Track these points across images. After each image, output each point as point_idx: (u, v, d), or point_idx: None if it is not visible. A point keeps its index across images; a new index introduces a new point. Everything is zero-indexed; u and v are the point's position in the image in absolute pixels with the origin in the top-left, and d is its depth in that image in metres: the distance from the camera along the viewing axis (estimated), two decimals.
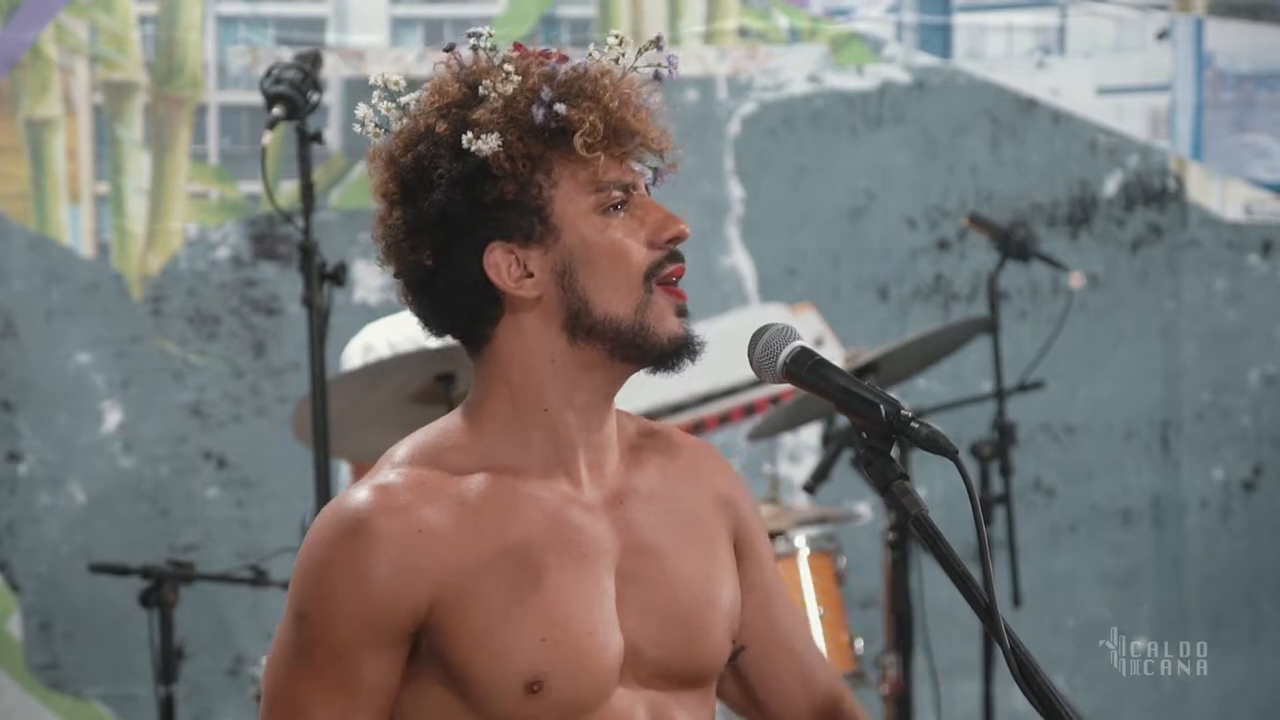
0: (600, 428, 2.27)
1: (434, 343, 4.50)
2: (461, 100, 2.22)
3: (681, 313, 2.24)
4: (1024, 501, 5.52)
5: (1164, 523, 5.60)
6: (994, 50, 5.74)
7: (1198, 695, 5.56)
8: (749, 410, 5.82)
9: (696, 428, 5.88)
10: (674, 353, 2.23)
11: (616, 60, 2.25)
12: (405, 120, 2.25)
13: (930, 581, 4.51)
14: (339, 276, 3.84)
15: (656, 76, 2.28)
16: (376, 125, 2.27)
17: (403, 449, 2.25)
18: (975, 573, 2.06)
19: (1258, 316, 5.48)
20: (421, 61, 5.58)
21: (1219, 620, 5.54)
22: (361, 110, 2.28)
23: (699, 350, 2.24)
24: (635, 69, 2.26)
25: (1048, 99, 5.69)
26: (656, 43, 2.28)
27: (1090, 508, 5.67)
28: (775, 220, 5.85)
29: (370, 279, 5.56)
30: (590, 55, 2.25)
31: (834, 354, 5.35)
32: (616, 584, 2.24)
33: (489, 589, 2.18)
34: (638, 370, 2.26)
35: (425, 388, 3.93)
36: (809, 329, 5.76)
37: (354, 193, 5.61)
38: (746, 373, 2.26)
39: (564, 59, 2.25)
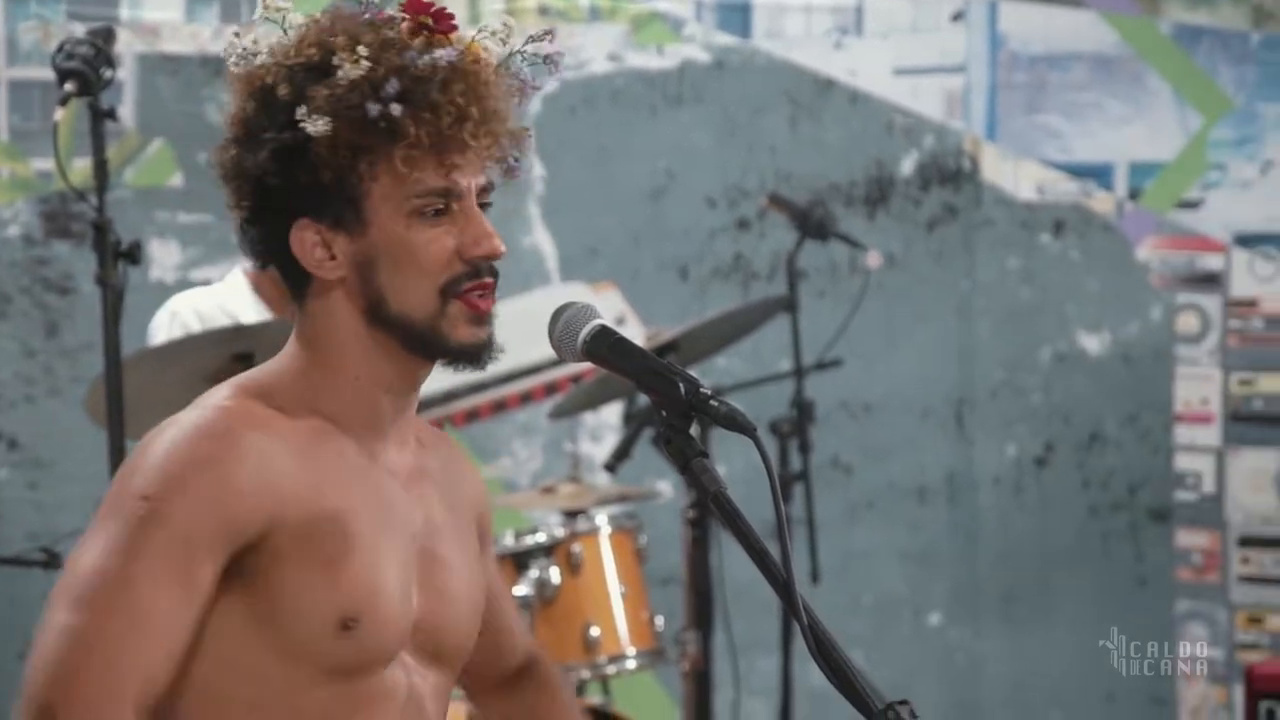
0: (406, 408, 2.29)
1: (246, 316, 4.47)
2: (313, 66, 2.20)
3: (478, 323, 2.23)
4: (822, 479, 5.56)
5: (959, 499, 5.67)
6: (792, 30, 5.77)
7: (992, 670, 5.64)
8: (550, 389, 5.81)
9: (498, 406, 5.87)
10: (463, 358, 2.24)
11: (503, 42, 2.25)
12: (261, 57, 2.23)
13: (730, 558, 4.54)
14: (134, 255, 3.79)
15: (547, 59, 2.28)
16: (238, 56, 2.25)
17: (226, 387, 2.25)
18: (774, 550, 2.07)
19: (1050, 295, 5.56)
20: (217, 38, 5.51)
21: (1012, 595, 5.61)
22: (230, 40, 2.25)
23: (491, 358, 2.25)
24: (519, 54, 2.25)
25: (845, 79, 5.73)
26: (546, 35, 2.28)
27: (887, 485, 5.73)
28: (576, 199, 5.85)
29: (166, 257, 5.49)
30: (474, 41, 2.24)
31: (635, 333, 5.35)
32: (418, 560, 2.27)
33: (324, 523, 2.19)
34: (434, 365, 2.26)
35: (222, 367, 3.89)
36: (610, 308, 5.76)
37: (149, 170, 5.53)
38: (548, 351, 2.26)
39: (449, 28, 2.22)
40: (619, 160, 5.87)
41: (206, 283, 4.91)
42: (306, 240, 2.22)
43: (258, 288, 4.69)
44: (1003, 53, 5.58)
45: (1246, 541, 5.34)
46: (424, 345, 2.23)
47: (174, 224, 5.70)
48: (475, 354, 2.24)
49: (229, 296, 4.65)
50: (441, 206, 2.22)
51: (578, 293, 5.77)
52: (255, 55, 2.23)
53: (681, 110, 5.83)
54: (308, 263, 2.23)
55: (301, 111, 2.18)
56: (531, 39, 2.27)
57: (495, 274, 2.25)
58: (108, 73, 3.81)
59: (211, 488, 2.15)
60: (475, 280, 2.22)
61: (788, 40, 5.77)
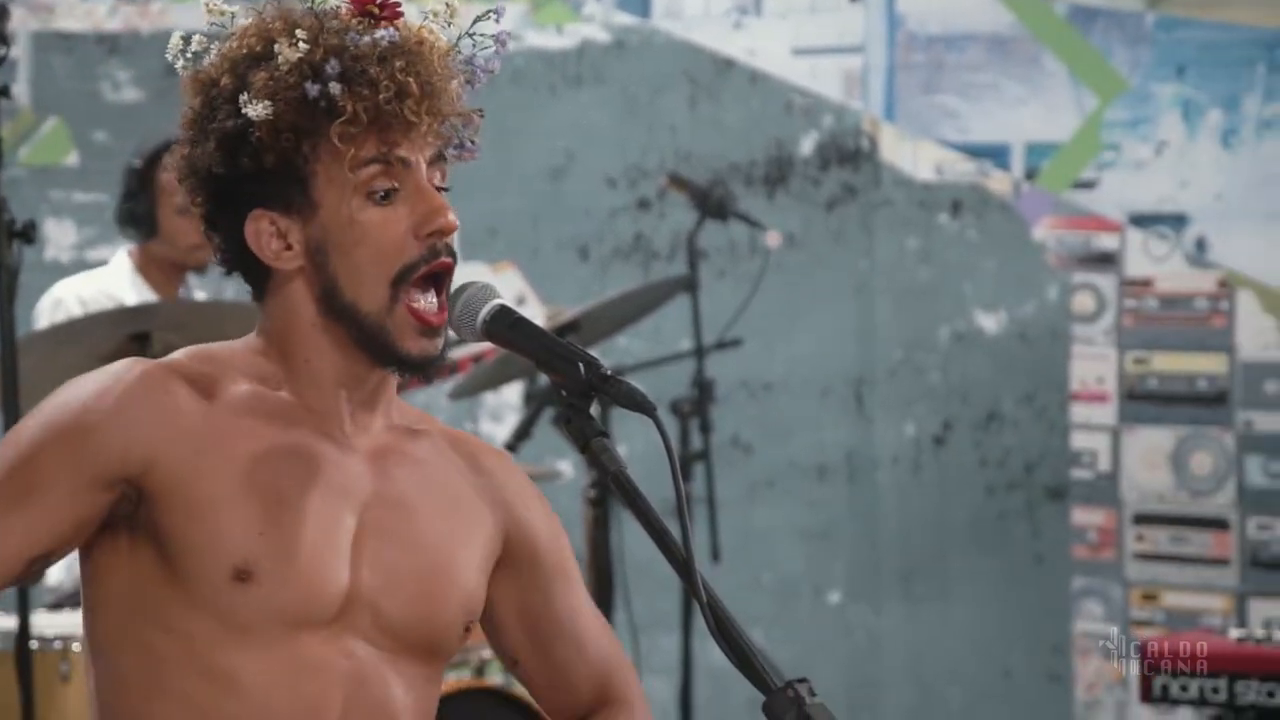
0: (366, 389, 2.27)
1: (129, 299, 4.43)
2: (254, 55, 2.20)
3: (428, 335, 2.22)
4: (722, 458, 5.57)
5: (858, 478, 5.69)
6: (691, 10, 5.78)
7: (890, 647, 5.67)
8: (451, 369, 5.81)
9: (398, 387, 5.83)
10: (410, 369, 2.23)
11: (448, 23, 2.24)
12: (207, 59, 2.24)
13: (630, 538, 4.55)
14: (28, 234, 3.75)
15: (498, 41, 2.27)
16: (186, 58, 2.25)
17: (183, 350, 2.28)
18: (674, 529, 2.08)
19: (948, 275, 5.59)
20: (113, 15, 5.46)
21: (911, 573, 5.65)
22: (174, 41, 2.25)
23: (436, 372, 2.24)
24: (468, 36, 2.24)
25: (744, 59, 5.74)
26: (492, 14, 2.27)
27: (787, 464, 5.75)
28: (476, 179, 5.83)
29: (62, 237, 5.45)
30: (420, 23, 2.23)
31: (535, 313, 5.35)
32: (362, 531, 2.24)
33: (219, 474, 2.18)
34: (387, 370, 2.25)
35: (118, 348, 3.86)
36: (510, 288, 5.76)
37: (44, 149, 5.48)
38: (448, 332, 2.26)
39: (395, 15, 2.21)
40: (518, 140, 5.87)
41: (103, 262, 4.87)
42: (261, 231, 2.22)
43: (141, 268, 4.66)
44: (900, 33, 5.60)
45: (1141, 519, 5.39)
46: (372, 346, 2.22)
47: (69, 203, 5.66)
48: (423, 367, 2.23)
49: (113, 280, 4.62)
50: (391, 185, 2.20)
51: (477, 273, 5.76)
52: (202, 56, 2.24)
53: (581, 90, 5.83)
54: (265, 255, 2.23)
55: (243, 99, 2.18)
56: (478, 19, 2.26)
57: (454, 255, 2.23)
58: (1, 50, 3.77)
59: (105, 413, 2.17)
60: (433, 261, 2.21)
61: (687, 20, 5.77)
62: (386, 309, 2.20)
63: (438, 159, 2.25)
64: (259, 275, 2.26)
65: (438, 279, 2.22)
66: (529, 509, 2.38)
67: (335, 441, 2.25)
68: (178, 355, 2.27)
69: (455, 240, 2.25)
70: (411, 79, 2.18)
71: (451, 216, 2.21)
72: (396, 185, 2.21)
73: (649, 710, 2.43)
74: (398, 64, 2.18)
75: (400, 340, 2.21)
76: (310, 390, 2.25)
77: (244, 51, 2.21)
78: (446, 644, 2.29)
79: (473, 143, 2.28)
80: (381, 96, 2.17)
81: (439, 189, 2.24)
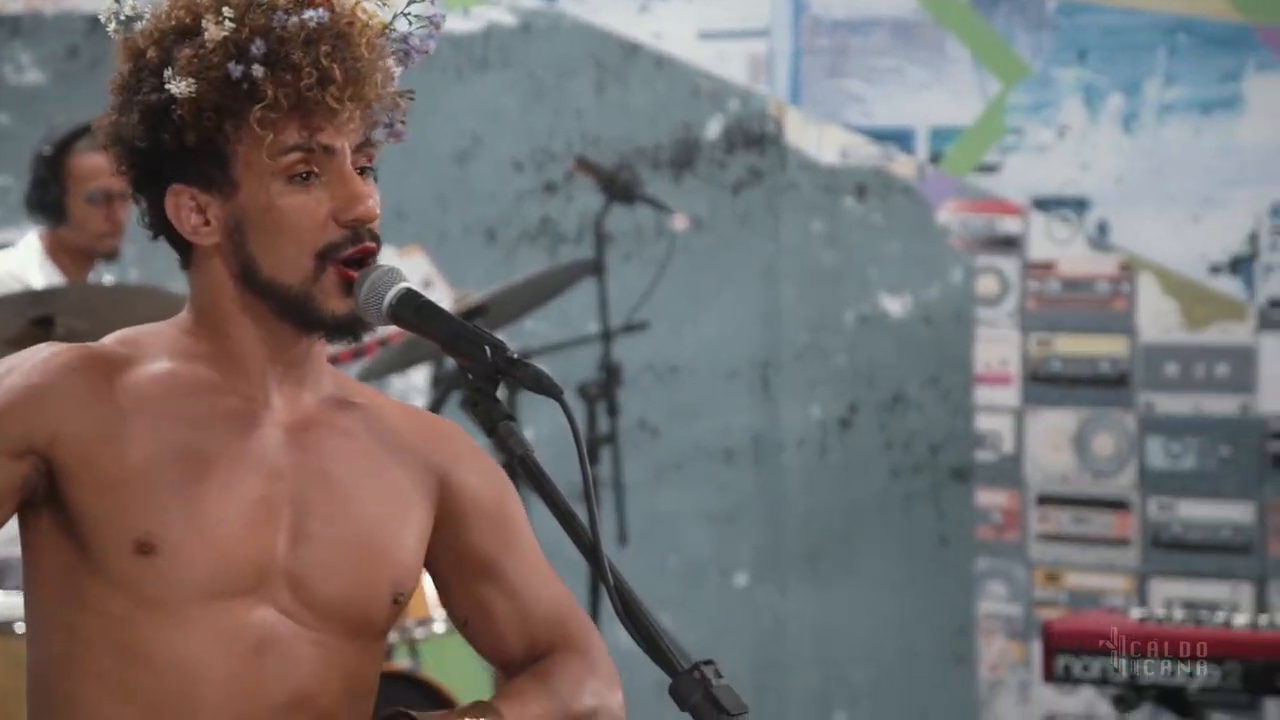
0: (290, 361, 2.26)
1: (37, 282, 4.40)
2: (182, 29, 2.20)
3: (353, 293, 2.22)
4: (629, 441, 5.58)
5: (764, 461, 5.71)
6: None
7: (797, 629, 5.70)
8: (358, 352, 5.79)
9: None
10: (338, 330, 2.22)
11: (383, 4, 2.23)
12: (139, 25, 2.23)
13: (537, 521, 4.55)
14: None
15: (432, 22, 2.26)
16: (120, 20, 2.25)
17: (111, 335, 2.29)
18: (582, 512, 2.09)
19: (853, 258, 5.62)
20: None
21: (817, 555, 5.67)
22: (108, 3, 2.25)
23: (365, 330, 2.23)
24: (404, 16, 2.24)
25: (651, 43, 5.75)
26: None
27: (694, 447, 5.76)
28: (382, 162, 5.81)
29: None
30: (356, 4, 2.22)
31: (442, 296, 5.34)
32: (281, 504, 2.23)
33: (125, 449, 2.18)
34: (313, 336, 2.25)
35: (22, 333, 3.83)
36: (417, 271, 5.75)
37: None
38: None
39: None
40: (425, 123, 5.84)
41: (8, 244, 4.83)
42: (180, 205, 2.22)
43: (51, 251, 4.63)
44: (806, 18, 5.61)
45: (1045, 500, 5.43)
46: (297, 314, 2.22)
47: None
48: (350, 326, 2.22)
49: (22, 262, 4.59)
50: (312, 169, 2.20)
51: (384, 256, 5.74)
52: (135, 21, 2.23)
53: (488, 73, 5.82)
54: (183, 229, 2.23)
55: (168, 74, 2.18)
56: (413, 0, 2.26)
57: (378, 240, 2.23)
58: None
59: (12, 389, 2.19)
60: (355, 246, 2.21)
61: (593, 4, 5.77)
62: (312, 278, 2.20)
63: (365, 144, 2.25)
64: (183, 247, 2.27)
65: (362, 264, 2.22)
66: (467, 470, 2.36)
67: (255, 415, 2.24)
68: (104, 339, 2.27)
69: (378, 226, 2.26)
70: (336, 65, 2.17)
71: (372, 204, 2.21)
72: (317, 171, 2.21)
73: (609, 660, 2.40)
74: (324, 48, 2.17)
75: (326, 302, 2.20)
76: (232, 364, 2.25)
77: (172, 24, 2.20)
78: (373, 618, 2.28)
79: (403, 124, 2.29)
80: (304, 83, 2.16)
81: (365, 170, 2.24)
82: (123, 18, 2.24)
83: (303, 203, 2.20)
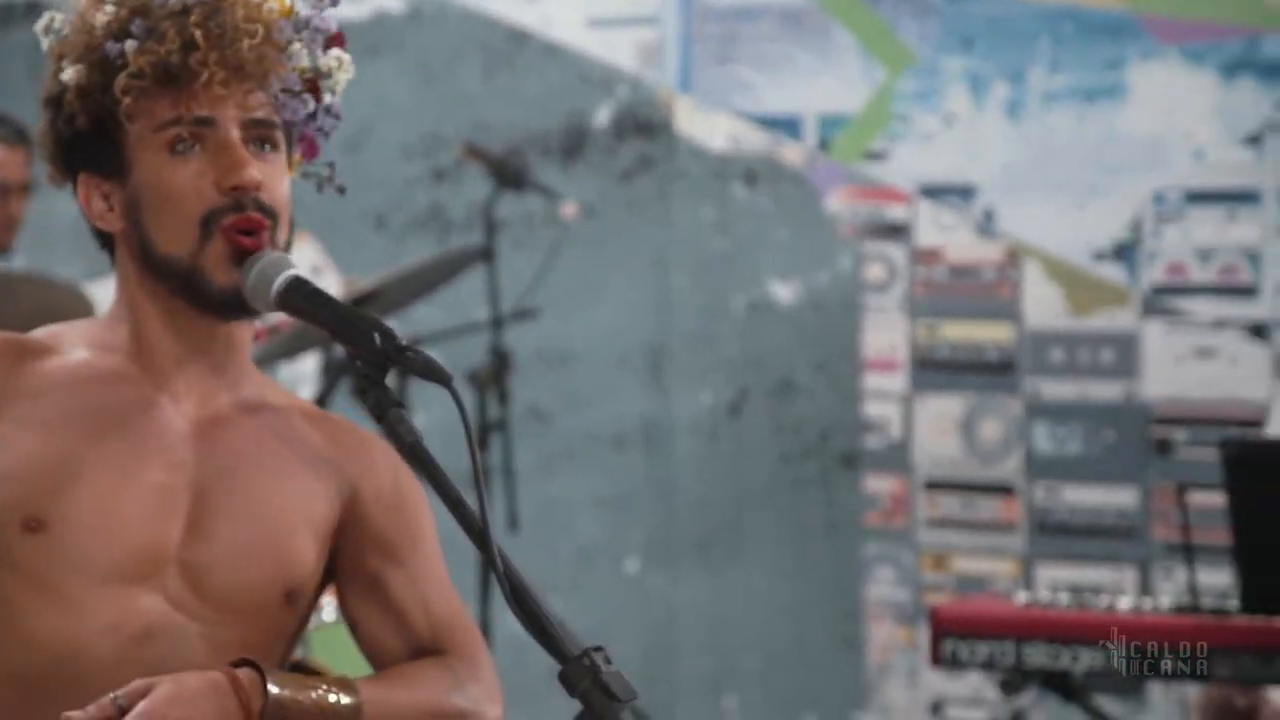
0: (201, 350, 2.27)
1: None
2: (81, 23, 2.24)
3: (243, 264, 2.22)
4: (520, 428, 5.58)
5: (655, 447, 5.72)
6: None
7: (687, 615, 5.71)
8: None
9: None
10: (225, 305, 2.23)
11: None
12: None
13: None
14: None
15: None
16: (52, 32, 2.28)
17: (39, 329, 2.31)
18: (473, 499, 2.09)
19: (743, 245, 5.63)
20: None
21: (707, 542, 5.69)
22: (43, 20, 2.28)
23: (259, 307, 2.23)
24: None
25: (540, 30, 5.74)
26: None
27: (585, 433, 5.77)
28: None
29: None
30: None
31: (331, 283, 5.32)
32: (179, 495, 2.24)
33: (24, 431, 2.19)
34: (209, 315, 2.25)
35: None
36: (306, 258, 5.72)
37: None
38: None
39: None
40: None
41: None
42: (89, 194, 2.25)
43: None
44: (695, 4, 5.62)
45: (932, 486, 5.47)
46: (188, 289, 2.22)
47: None
48: (239, 299, 2.22)
49: None
50: (192, 141, 2.21)
51: None
52: (62, 31, 2.26)
53: (377, 60, 5.80)
54: (92, 217, 2.26)
55: (63, 63, 2.22)
56: None
57: (267, 213, 2.23)
58: None
59: None
60: (237, 214, 2.21)
61: None
62: (198, 248, 2.21)
63: (262, 125, 2.24)
64: (105, 239, 2.29)
65: (251, 233, 2.22)
66: (375, 478, 2.37)
67: (164, 406, 2.25)
68: (33, 332, 2.30)
69: (276, 205, 2.25)
70: (199, 31, 2.18)
71: (253, 173, 2.21)
72: (199, 144, 2.22)
73: (495, 676, 2.39)
74: (193, 18, 2.19)
75: (213, 274, 2.21)
76: (144, 354, 2.26)
77: (78, 22, 2.24)
78: (264, 613, 2.28)
79: (330, 114, 2.31)
80: (165, 49, 2.17)
81: (268, 146, 2.24)
82: (54, 30, 2.27)
83: (184, 174, 2.21)
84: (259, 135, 2.24)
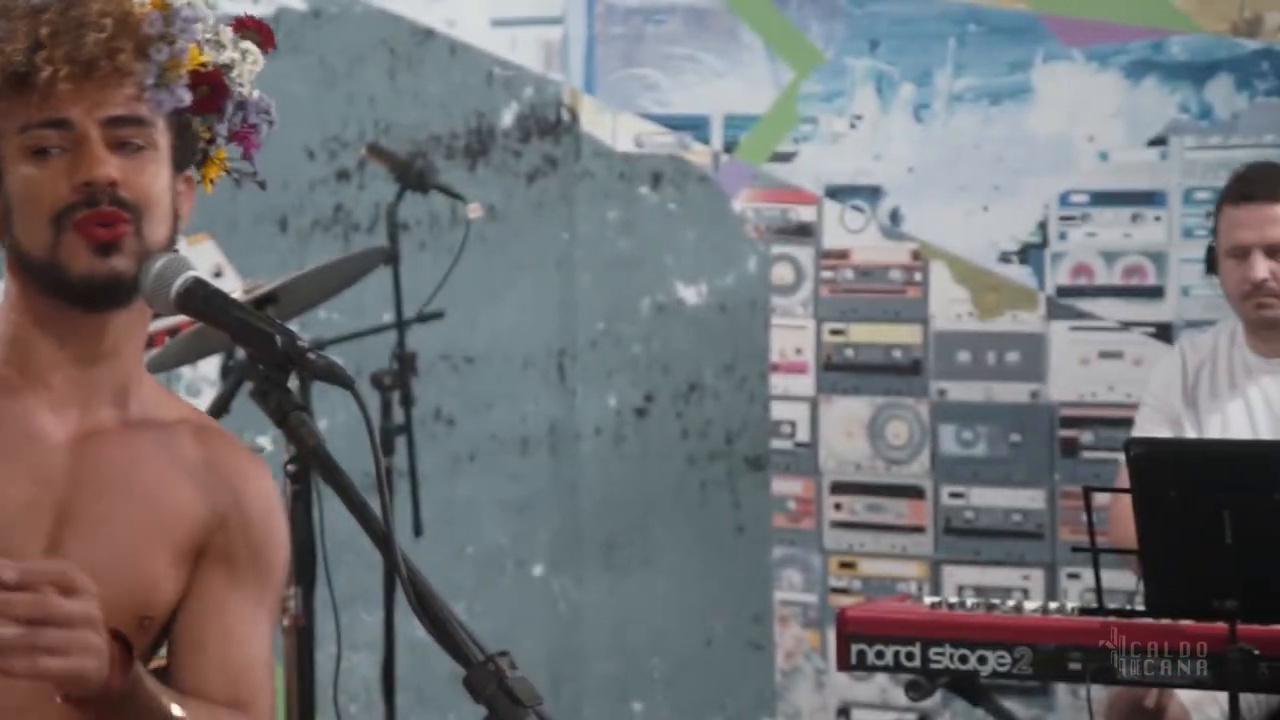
0: (83, 362, 2.25)
1: None
2: None
3: (102, 251, 2.19)
4: (425, 431, 5.55)
5: (560, 450, 5.70)
6: None
7: (593, 618, 5.69)
8: (146, 343, 5.69)
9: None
10: (88, 291, 2.21)
11: None
12: None
13: (331, 513, 4.50)
14: None
15: None
16: None
17: None
18: (376, 503, 2.06)
19: (649, 246, 5.62)
20: None
21: (613, 545, 5.67)
22: None
23: (121, 288, 2.21)
24: None
25: (444, 30, 5.71)
26: None
27: (489, 436, 5.74)
28: None
29: None
30: None
31: (232, 285, 5.27)
32: (50, 514, 2.22)
33: None
34: (76, 308, 2.22)
35: None
36: (206, 260, 5.67)
37: None
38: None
39: None
40: None
41: None
42: None
43: None
44: (599, 5, 5.60)
45: (839, 488, 5.47)
46: (51, 284, 2.20)
47: None
48: (100, 286, 2.20)
49: None
50: (50, 145, 2.19)
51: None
52: None
53: (278, 59, 5.74)
54: None
55: None
56: None
57: (126, 206, 2.20)
58: None
59: None
60: (89, 209, 2.18)
61: None
62: (53, 244, 2.19)
63: (124, 121, 2.21)
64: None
65: (109, 226, 2.19)
66: (243, 512, 2.34)
67: (41, 417, 2.23)
68: None
69: (138, 200, 2.22)
70: (47, 29, 2.16)
71: (106, 169, 2.18)
72: (60, 147, 2.20)
73: None
74: (45, 16, 2.16)
75: (72, 262, 2.19)
76: (24, 361, 2.25)
77: None
78: (126, 630, 2.23)
79: (243, 104, 2.28)
80: (12, 49, 2.14)
81: (134, 147, 2.21)
82: None
83: (43, 175, 2.19)
84: (122, 133, 2.21)
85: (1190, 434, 4.33)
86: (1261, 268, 4.22)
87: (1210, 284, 5.05)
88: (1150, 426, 4.37)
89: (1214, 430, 4.31)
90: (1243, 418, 4.30)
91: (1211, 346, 4.39)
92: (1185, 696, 4.03)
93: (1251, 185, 4.28)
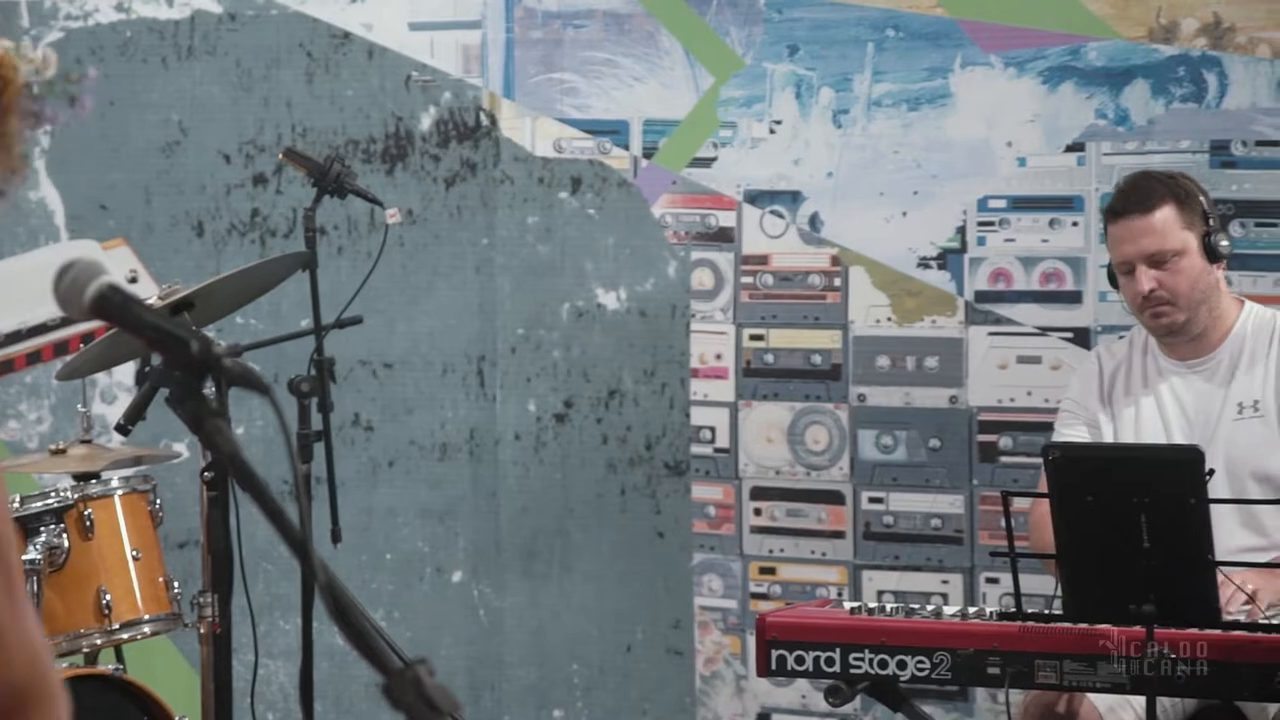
0: None
1: None
2: None
3: None
4: (343, 438, 5.52)
5: (480, 456, 5.68)
6: None
7: (512, 625, 5.68)
8: (59, 348, 5.65)
9: (4, 367, 5.68)
10: None
11: None
12: None
13: (249, 520, 4.47)
14: None
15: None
16: None
17: None
18: (293, 510, 2.04)
19: (568, 251, 5.61)
20: None
21: (533, 551, 5.66)
22: None
23: None
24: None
25: (362, 33, 5.69)
26: None
27: (408, 443, 5.72)
28: (84, 153, 5.69)
29: None
30: None
31: (148, 290, 5.23)
32: None
33: None
34: None
35: None
36: (122, 265, 5.63)
37: None
38: (55, 310, 2.21)
39: None
40: (129, 113, 5.74)
41: None
42: None
43: None
44: (518, 8, 5.59)
45: (759, 493, 5.47)
46: None
47: None
48: None
49: None
50: None
51: (87, 249, 5.62)
52: None
53: (194, 63, 5.72)
54: None
55: None
56: None
57: None
58: None
59: None
60: None
61: None
62: None
63: None
64: None
65: None
66: None
67: None
68: None
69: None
70: None
71: None
72: None
73: None
74: None
75: None
76: None
77: None
78: None
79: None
80: None
81: None
82: None
83: None
84: None
85: (1108, 435, 4.35)
86: (1145, 280, 4.25)
87: None
88: (1069, 430, 4.40)
89: (1128, 426, 4.33)
90: (1155, 416, 4.32)
91: (1126, 351, 4.42)
92: (1099, 700, 4.05)
93: (1124, 200, 4.32)
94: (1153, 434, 4.30)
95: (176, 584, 4.58)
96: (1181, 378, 4.34)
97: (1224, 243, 4.29)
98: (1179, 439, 4.24)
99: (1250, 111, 5.03)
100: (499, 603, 5.69)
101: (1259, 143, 5.02)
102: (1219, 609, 3.76)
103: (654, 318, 5.54)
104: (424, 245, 5.67)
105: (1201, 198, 4.30)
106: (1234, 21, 5.02)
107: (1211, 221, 4.28)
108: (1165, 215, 4.26)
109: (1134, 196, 4.30)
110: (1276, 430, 4.24)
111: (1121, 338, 4.59)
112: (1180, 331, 4.29)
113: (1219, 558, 3.75)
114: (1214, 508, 3.88)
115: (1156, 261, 4.25)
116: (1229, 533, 4.15)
